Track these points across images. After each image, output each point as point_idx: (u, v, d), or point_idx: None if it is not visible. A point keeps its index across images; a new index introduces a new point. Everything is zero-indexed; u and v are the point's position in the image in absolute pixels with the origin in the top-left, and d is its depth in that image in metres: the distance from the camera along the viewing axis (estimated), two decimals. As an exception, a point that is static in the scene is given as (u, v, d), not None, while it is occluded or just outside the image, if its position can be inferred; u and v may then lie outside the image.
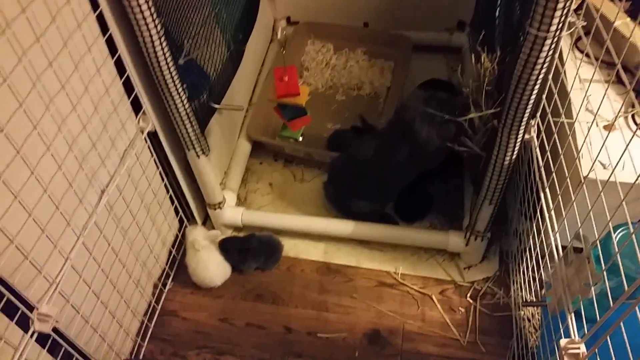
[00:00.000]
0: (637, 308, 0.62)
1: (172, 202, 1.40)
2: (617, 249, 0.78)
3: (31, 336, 0.88)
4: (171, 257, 1.44)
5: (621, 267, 0.70)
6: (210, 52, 1.45)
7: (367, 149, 1.33)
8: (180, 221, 1.48)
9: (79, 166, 0.99)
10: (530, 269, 1.14)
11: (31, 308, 0.88)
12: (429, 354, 1.25)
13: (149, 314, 1.34)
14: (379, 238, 1.40)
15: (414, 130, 1.22)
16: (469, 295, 1.33)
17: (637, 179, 0.71)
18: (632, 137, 0.74)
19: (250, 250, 1.39)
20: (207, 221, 1.52)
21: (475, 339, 1.26)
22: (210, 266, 1.36)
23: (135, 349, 1.28)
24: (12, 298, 0.83)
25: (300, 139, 1.31)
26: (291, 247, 1.47)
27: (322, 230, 1.42)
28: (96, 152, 1.03)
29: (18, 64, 0.79)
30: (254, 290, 1.39)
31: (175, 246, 1.45)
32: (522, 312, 1.22)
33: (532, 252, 1.11)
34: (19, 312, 0.85)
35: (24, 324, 0.88)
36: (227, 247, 1.39)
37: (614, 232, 0.84)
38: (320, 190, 1.55)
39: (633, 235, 0.66)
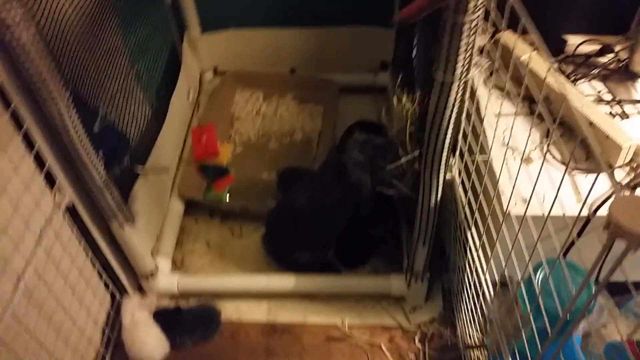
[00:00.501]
0: (573, 340, 0.61)
1: (101, 277, 1.32)
2: (537, 289, 0.78)
3: None
4: (105, 336, 1.34)
5: (543, 308, 0.69)
6: (131, 113, 1.41)
7: (301, 196, 1.32)
8: (112, 296, 1.39)
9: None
10: (470, 308, 1.13)
11: None
12: (383, 406, 1.21)
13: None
14: (322, 290, 1.37)
15: (347, 175, 1.22)
16: (417, 339, 1.31)
17: (550, 211, 0.71)
18: (542, 168, 0.74)
19: (182, 324, 1.32)
20: (142, 290, 1.45)
21: (428, 385, 1.24)
22: (148, 342, 1.28)
23: None
24: None
25: (227, 199, 1.27)
26: (233, 310, 1.40)
27: (264, 287, 1.38)
28: (7, 236, 0.96)
29: None
30: (196, 358, 1.32)
31: (110, 324, 1.36)
32: (470, 353, 1.21)
33: (469, 289, 1.11)
34: None
35: None
36: (159, 321, 1.32)
37: (539, 269, 0.85)
38: (259, 245, 1.51)
39: (549, 275, 0.66)
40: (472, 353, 1.17)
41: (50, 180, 1.08)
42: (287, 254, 1.39)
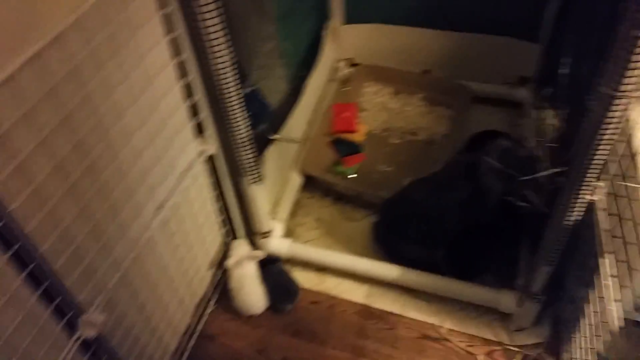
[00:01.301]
0: None
1: (221, 226, 1.41)
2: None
3: (76, 340, 0.89)
4: (215, 280, 1.43)
5: None
6: (273, 85, 1.49)
7: (423, 190, 1.30)
8: (226, 248, 1.48)
9: (140, 180, 1.00)
10: (584, 340, 1.07)
11: (79, 312, 0.88)
12: (470, 417, 1.18)
13: (188, 334, 1.33)
14: (426, 287, 1.36)
15: (478, 178, 1.19)
16: (516, 359, 1.26)
17: None
18: None
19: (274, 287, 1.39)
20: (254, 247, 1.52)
21: (521, 407, 1.19)
22: (252, 294, 1.35)
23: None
24: (61, 300, 0.84)
25: (353, 176, 1.30)
26: (334, 286, 1.44)
27: (367, 271, 1.39)
28: (157, 169, 1.06)
29: (96, 75, 0.82)
30: (293, 325, 1.36)
31: (221, 271, 1.45)
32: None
33: (588, 321, 1.04)
34: (68, 315, 0.86)
35: (70, 327, 0.88)
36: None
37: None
38: (368, 231, 1.53)
39: None
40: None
41: (198, 131, 1.17)
42: (397, 245, 1.39)
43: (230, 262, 1.35)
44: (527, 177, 1.11)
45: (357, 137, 1.27)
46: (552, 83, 1.44)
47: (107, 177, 0.90)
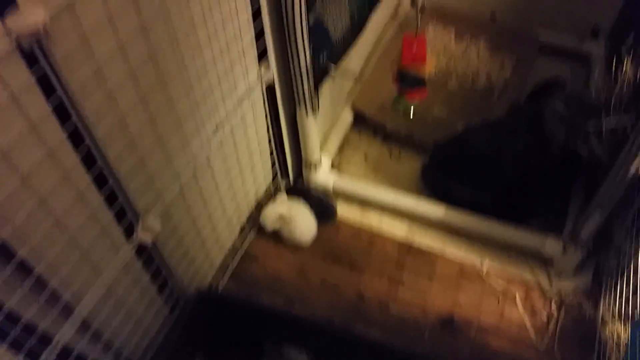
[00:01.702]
0: None
1: (271, 155, 1.45)
2: None
3: (133, 245, 0.96)
4: (261, 206, 1.49)
5: None
6: (336, 19, 1.48)
7: (483, 133, 1.29)
8: (275, 175, 1.53)
9: (204, 98, 1.04)
10: (625, 291, 1.07)
11: (138, 219, 0.95)
12: (501, 352, 1.21)
13: (232, 253, 1.40)
14: (470, 227, 1.37)
15: (544, 124, 1.17)
16: (554, 303, 1.27)
17: None
18: None
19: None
20: (298, 180, 1.57)
21: (553, 347, 1.20)
22: (305, 227, 1.41)
23: (215, 283, 1.35)
24: (123, 204, 0.91)
25: (412, 113, 1.29)
26: (376, 220, 1.47)
27: (412, 208, 1.41)
28: (219, 90, 1.09)
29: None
30: (333, 253, 1.42)
31: (266, 197, 1.50)
32: (607, 330, 1.15)
33: (632, 274, 1.04)
34: (128, 219, 0.93)
35: (128, 232, 0.96)
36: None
37: None
38: (414, 172, 1.54)
39: None
40: (617, 327, 1.11)
41: (260, 57, 1.19)
42: (447, 184, 1.39)
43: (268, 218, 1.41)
44: (592, 126, 1.08)
45: (426, 69, 1.25)
46: (629, 33, 1.37)
47: (175, 90, 0.94)
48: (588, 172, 1.22)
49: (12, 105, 0.66)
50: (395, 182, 1.54)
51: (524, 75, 1.63)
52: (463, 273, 1.35)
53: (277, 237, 1.45)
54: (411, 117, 1.32)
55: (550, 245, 1.28)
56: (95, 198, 0.85)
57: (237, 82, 1.14)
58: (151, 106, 0.89)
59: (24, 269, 0.77)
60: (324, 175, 1.48)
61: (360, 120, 1.68)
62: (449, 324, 1.26)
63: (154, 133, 0.92)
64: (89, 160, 0.81)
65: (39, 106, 0.69)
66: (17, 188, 0.70)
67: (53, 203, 0.76)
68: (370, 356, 1.13)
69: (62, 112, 0.73)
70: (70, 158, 0.77)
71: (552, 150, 1.18)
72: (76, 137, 0.77)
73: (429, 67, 1.24)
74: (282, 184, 1.55)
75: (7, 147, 0.66)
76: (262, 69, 1.21)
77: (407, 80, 1.27)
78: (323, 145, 1.58)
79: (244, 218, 1.44)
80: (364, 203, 1.50)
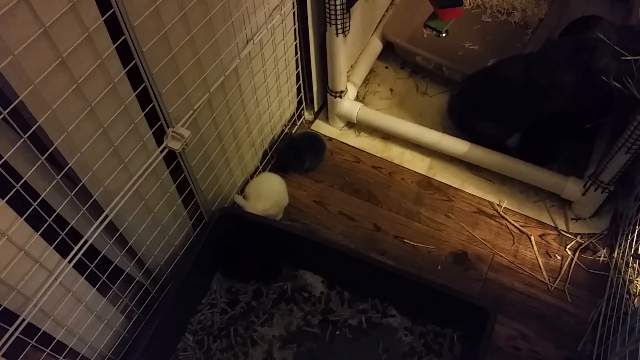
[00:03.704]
0: None
1: (298, 81, 1.43)
2: None
3: (162, 150, 0.97)
4: (284, 133, 1.49)
5: None
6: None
7: (517, 68, 1.24)
8: (299, 102, 1.51)
9: (237, 5, 1.01)
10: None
11: (168, 125, 0.95)
12: (512, 289, 1.23)
13: (254, 177, 1.41)
14: (492, 166, 1.36)
15: (596, 56, 1.11)
16: (569, 245, 1.28)
17: None
18: None
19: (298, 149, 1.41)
20: (322, 109, 1.55)
21: (564, 288, 1.23)
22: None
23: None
24: (157, 109, 0.91)
25: (445, 35, 1.24)
26: (398, 154, 1.47)
27: (435, 144, 1.40)
28: (247, 3, 1.06)
29: None
30: (353, 184, 1.42)
31: (289, 124, 1.50)
32: (620, 275, 1.16)
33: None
34: (159, 122, 0.94)
35: (158, 137, 0.96)
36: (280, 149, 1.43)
37: None
38: (440, 107, 1.52)
39: None
40: (628, 267, 1.12)
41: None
42: (473, 119, 1.36)
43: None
44: (630, 57, 1.04)
45: None
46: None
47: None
48: (619, 111, 1.19)
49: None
50: (420, 117, 1.52)
51: (560, 12, 1.56)
52: (480, 211, 1.35)
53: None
54: (443, 35, 1.27)
55: (571, 187, 1.27)
56: (129, 94, 0.85)
57: (267, -2, 1.11)
58: (186, 2, 0.86)
59: (57, 161, 0.79)
60: (348, 105, 1.46)
61: (388, 52, 1.64)
62: (462, 259, 1.28)
63: (187, 33, 0.90)
64: (124, 52, 0.80)
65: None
66: (54, 68, 0.69)
67: (87, 91, 0.76)
68: (384, 283, 1.16)
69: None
70: (106, 42, 0.76)
71: (600, 87, 1.12)
72: (113, 23, 0.75)
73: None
74: (306, 113, 1.54)
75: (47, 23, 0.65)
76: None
77: (442, -3, 1.21)
78: (350, 76, 1.54)
79: (267, 143, 1.44)
80: (386, 137, 1.49)
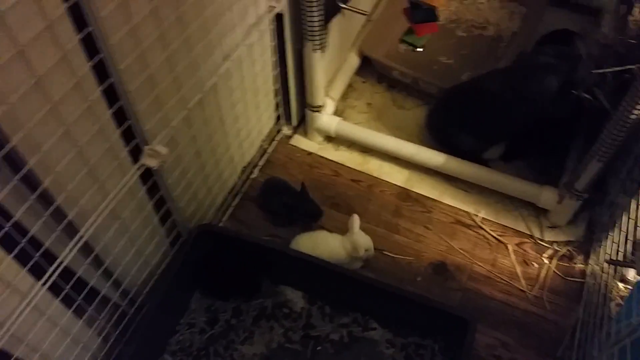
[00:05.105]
0: None
1: (276, 96, 1.44)
2: None
3: (138, 168, 0.96)
4: (262, 149, 1.49)
5: None
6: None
7: (497, 81, 1.27)
8: (278, 118, 1.52)
9: (214, 22, 1.02)
10: (614, 245, 1.10)
11: (144, 142, 0.95)
12: (491, 297, 1.25)
13: (233, 193, 1.41)
14: (468, 177, 1.38)
15: (576, 66, 1.15)
16: (546, 253, 1.30)
17: None
18: None
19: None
20: (301, 124, 1.56)
21: (542, 295, 1.24)
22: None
23: (215, 221, 1.36)
24: (133, 127, 0.91)
25: (421, 49, 1.27)
26: (376, 168, 1.48)
27: (412, 156, 1.42)
28: (230, 15, 1.06)
29: None
30: (333, 198, 1.43)
31: (268, 140, 1.50)
32: (595, 282, 1.18)
33: (623, 227, 1.07)
34: (134, 142, 0.93)
35: (135, 155, 0.95)
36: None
37: None
38: (417, 120, 1.54)
39: None
40: (603, 273, 1.14)
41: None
42: (451, 132, 1.39)
43: None
44: (602, 70, 1.07)
45: (438, 1, 1.21)
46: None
47: (188, 9, 0.91)
48: (590, 121, 1.22)
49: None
50: (398, 130, 1.54)
51: (533, 26, 1.61)
52: (458, 222, 1.37)
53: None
54: (420, 50, 1.29)
55: (546, 196, 1.30)
56: (105, 112, 0.84)
57: (246, 10, 1.12)
58: (164, 22, 0.87)
59: (31, 181, 0.77)
60: (326, 119, 1.47)
61: (366, 67, 1.66)
62: (441, 269, 1.29)
63: (165, 51, 0.90)
64: (100, 71, 0.79)
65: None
66: (30, 89, 0.69)
67: (63, 110, 0.76)
68: (364, 296, 1.16)
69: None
70: (83, 65, 0.76)
71: (574, 97, 1.15)
72: (90, 44, 0.75)
73: (441, 0, 1.21)
74: (285, 128, 1.55)
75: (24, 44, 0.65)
76: None
77: (417, 13, 1.23)
78: (328, 91, 1.56)
79: (246, 158, 1.44)
80: (365, 150, 1.50)
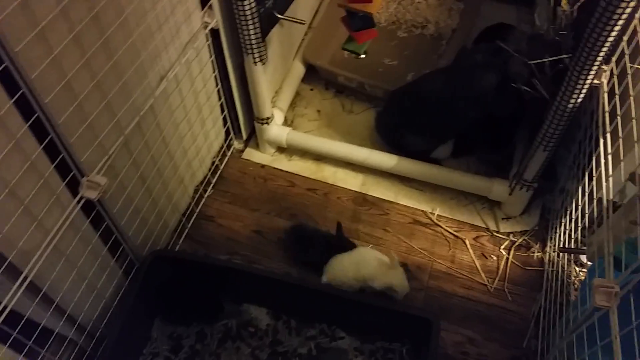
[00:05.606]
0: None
1: (222, 111, 1.42)
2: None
3: (78, 201, 0.92)
4: (214, 165, 1.46)
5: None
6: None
7: (438, 81, 1.29)
8: (227, 132, 1.49)
9: (144, 44, 0.99)
10: (568, 230, 1.12)
11: (82, 173, 0.91)
12: (454, 294, 1.25)
13: (187, 214, 1.38)
14: (420, 176, 1.39)
15: (509, 62, 1.17)
16: (503, 245, 1.32)
17: None
18: None
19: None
20: (251, 137, 1.54)
21: (503, 287, 1.26)
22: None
23: (170, 244, 1.33)
24: (65, 158, 0.87)
25: (364, 56, 1.28)
26: (331, 174, 1.47)
27: (364, 160, 1.42)
28: (161, 34, 1.04)
29: None
30: (290, 209, 1.41)
31: (219, 156, 1.47)
32: (554, 269, 1.21)
33: (575, 211, 1.09)
34: (71, 173, 0.89)
35: (73, 188, 0.92)
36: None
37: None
38: (367, 124, 1.54)
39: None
40: (560, 260, 1.17)
41: (203, 3, 1.14)
42: (399, 134, 1.39)
43: None
44: (537, 62, 1.10)
45: (373, 7, 1.22)
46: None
47: (113, 34, 0.89)
48: (532, 111, 1.25)
49: None
50: (349, 136, 1.53)
51: (472, 21, 1.64)
52: (416, 221, 1.38)
53: (232, 196, 1.43)
54: (362, 56, 1.30)
55: (497, 188, 1.32)
56: (35, 148, 0.81)
57: (179, 28, 1.09)
58: (88, 49, 0.84)
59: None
60: (276, 131, 1.46)
61: (312, 75, 1.65)
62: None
63: (92, 78, 0.87)
64: (23, 105, 0.76)
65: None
66: None
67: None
68: (329, 306, 1.15)
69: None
70: (5, 103, 0.72)
71: (514, 91, 1.18)
72: (10, 83, 0.72)
73: (376, 4, 1.22)
74: (235, 142, 1.53)
75: None
76: (206, 14, 1.15)
77: (355, 21, 1.24)
78: (275, 101, 1.54)
79: (198, 178, 1.41)
80: (317, 158, 1.49)
